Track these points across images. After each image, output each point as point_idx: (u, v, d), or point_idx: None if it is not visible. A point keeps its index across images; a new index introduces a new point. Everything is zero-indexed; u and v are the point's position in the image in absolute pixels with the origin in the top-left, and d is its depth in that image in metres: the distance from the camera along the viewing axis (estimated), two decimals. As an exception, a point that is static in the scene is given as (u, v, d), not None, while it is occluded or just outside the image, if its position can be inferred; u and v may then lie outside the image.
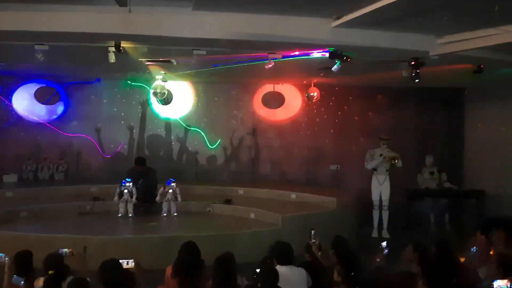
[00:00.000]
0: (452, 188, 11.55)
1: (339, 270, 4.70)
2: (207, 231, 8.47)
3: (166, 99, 11.82)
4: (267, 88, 12.90)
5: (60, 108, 12.53)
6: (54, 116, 12.51)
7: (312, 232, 5.89)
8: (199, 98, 12.90)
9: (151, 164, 10.85)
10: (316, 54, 7.70)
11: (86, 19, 6.44)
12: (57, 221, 9.13)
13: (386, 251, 5.58)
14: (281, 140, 13.11)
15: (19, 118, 12.27)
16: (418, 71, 7.84)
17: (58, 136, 12.44)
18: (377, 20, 6.45)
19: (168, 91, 11.69)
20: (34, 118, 12.37)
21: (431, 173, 11.64)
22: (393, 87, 12.50)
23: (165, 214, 9.71)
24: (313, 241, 5.81)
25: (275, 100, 12.93)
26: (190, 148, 12.95)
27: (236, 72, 10.69)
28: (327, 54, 7.40)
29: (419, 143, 12.62)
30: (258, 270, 4.39)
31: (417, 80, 7.99)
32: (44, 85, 12.17)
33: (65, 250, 4.75)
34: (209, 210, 10.19)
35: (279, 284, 4.30)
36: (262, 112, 13.02)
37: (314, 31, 6.83)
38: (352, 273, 4.55)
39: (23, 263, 4.69)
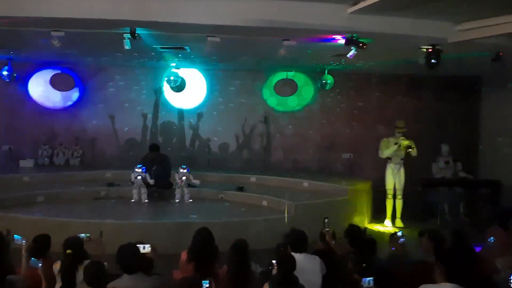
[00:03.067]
0: (468, 177, 11.45)
1: (352, 259, 4.70)
2: (220, 218, 8.52)
3: (179, 86, 11.82)
4: (280, 75, 12.83)
5: (75, 95, 12.59)
6: (70, 103, 12.59)
7: (326, 221, 5.89)
8: (211, 85, 12.87)
9: (164, 151, 10.89)
10: (332, 40, 7.62)
11: (102, 6, 6.43)
12: (73, 205, 9.23)
13: (402, 239, 5.57)
14: (294, 128, 13.04)
15: (34, 104, 12.37)
16: (435, 59, 7.72)
17: (73, 122, 12.53)
18: (394, 5, 6.35)
19: (181, 78, 11.68)
20: (50, 104, 12.46)
21: (446, 162, 11.54)
22: (409, 75, 12.36)
23: (177, 200, 9.76)
24: (326, 229, 5.81)
25: (287, 88, 12.86)
26: (202, 135, 12.96)
27: (248, 58, 10.66)
28: (343, 41, 7.30)
29: (434, 131, 12.47)
30: (274, 261, 4.39)
31: (433, 66, 7.89)
32: (60, 71, 12.23)
33: (84, 235, 4.81)
34: (222, 197, 10.23)
35: (293, 271, 4.30)
36: (275, 99, 12.96)
37: (330, 17, 6.74)
38: (364, 265, 4.53)
39: (41, 246, 4.77)
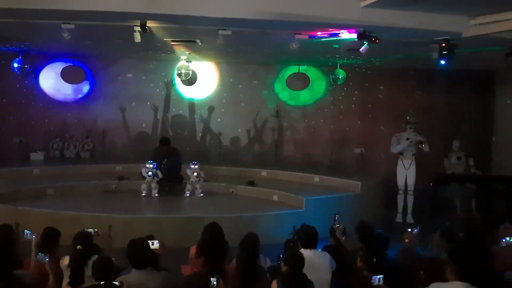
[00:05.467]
0: (476, 173, 11.30)
1: (361, 256, 4.65)
2: (231, 212, 8.49)
3: (190, 80, 11.79)
4: (292, 69, 12.75)
5: (86, 87, 12.62)
6: (80, 95, 12.62)
7: (336, 217, 5.85)
8: (223, 79, 12.83)
9: (175, 144, 10.88)
10: (344, 35, 7.52)
11: (112, -2, 6.42)
12: (83, 199, 9.26)
13: (416, 230, 5.54)
14: (305, 122, 12.97)
15: (45, 96, 12.42)
16: (449, 53, 7.59)
17: (84, 115, 12.57)
18: (408, -1, 6.26)
19: (193, 71, 11.65)
20: (60, 97, 12.50)
21: (458, 158, 11.39)
22: (421, 69, 12.21)
23: (187, 195, 9.76)
24: (337, 225, 5.76)
25: (299, 82, 12.77)
26: (213, 129, 12.93)
27: (260, 52, 10.60)
28: (355, 35, 7.20)
29: (446, 127, 12.32)
30: (281, 256, 4.36)
31: (444, 62, 7.78)
32: (71, 64, 12.26)
33: (91, 230, 4.81)
34: (233, 192, 10.20)
35: (302, 268, 4.26)
36: (286, 93, 12.88)
37: (342, 10, 6.65)
38: (374, 259, 4.48)
39: (50, 239, 4.77)
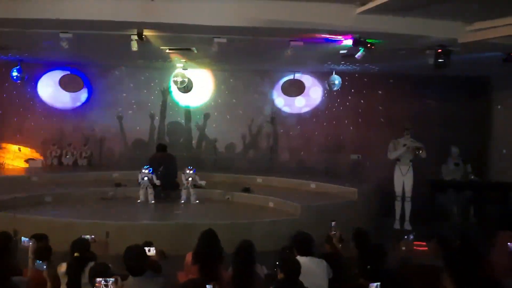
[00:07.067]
0: (473, 180, 11.32)
1: (358, 263, 4.64)
2: (226, 219, 8.48)
3: (186, 87, 11.81)
4: (287, 76, 12.78)
5: (84, 96, 12.65)
6: (78, 103, 12.64)
7: (333, 224, 5.83)
8: (218, 86, 12.86)
9: (171, 151, 10.90)
10: (340, 41, 7.56)
11: (110, 7, 6.46)
12: (80, 206, 9.25)
13: (411, 237, 5.53)
14: (301, 129, 12.97)
15: (44, 104, 12.44)
16: (444, 59, 7.63)
17: (82, 123, 12.59)
18: (403, 5, 6.29)
19: (189, 79, 11.68)
20: (59, 105, 12.52)
21: (456, 164, 11.41)
22: (417, 75, 12.23)
23: (183, 201, 9.75)
24: (333, 232, 5.75)
25: (295, 88, 12.80)
26: (209, 136, 12.95)
27: (256, 59, 10.64)
28: (350, 41, 7.24)
29: (444, 133, 12.31)
30: (278, 263, 4.35)
31: (440, 68, 7.81)
32: (68, 72, 12.30)
33: (88, 236, 4.80)
34: (228, 198, 10.20)
35: (298, 275, 4.25)
36: (282, 100, 12.91)
37: (338, 17, 6.69)
38: (368, 266, 4.47)
39: (45, 247, 4.76)
